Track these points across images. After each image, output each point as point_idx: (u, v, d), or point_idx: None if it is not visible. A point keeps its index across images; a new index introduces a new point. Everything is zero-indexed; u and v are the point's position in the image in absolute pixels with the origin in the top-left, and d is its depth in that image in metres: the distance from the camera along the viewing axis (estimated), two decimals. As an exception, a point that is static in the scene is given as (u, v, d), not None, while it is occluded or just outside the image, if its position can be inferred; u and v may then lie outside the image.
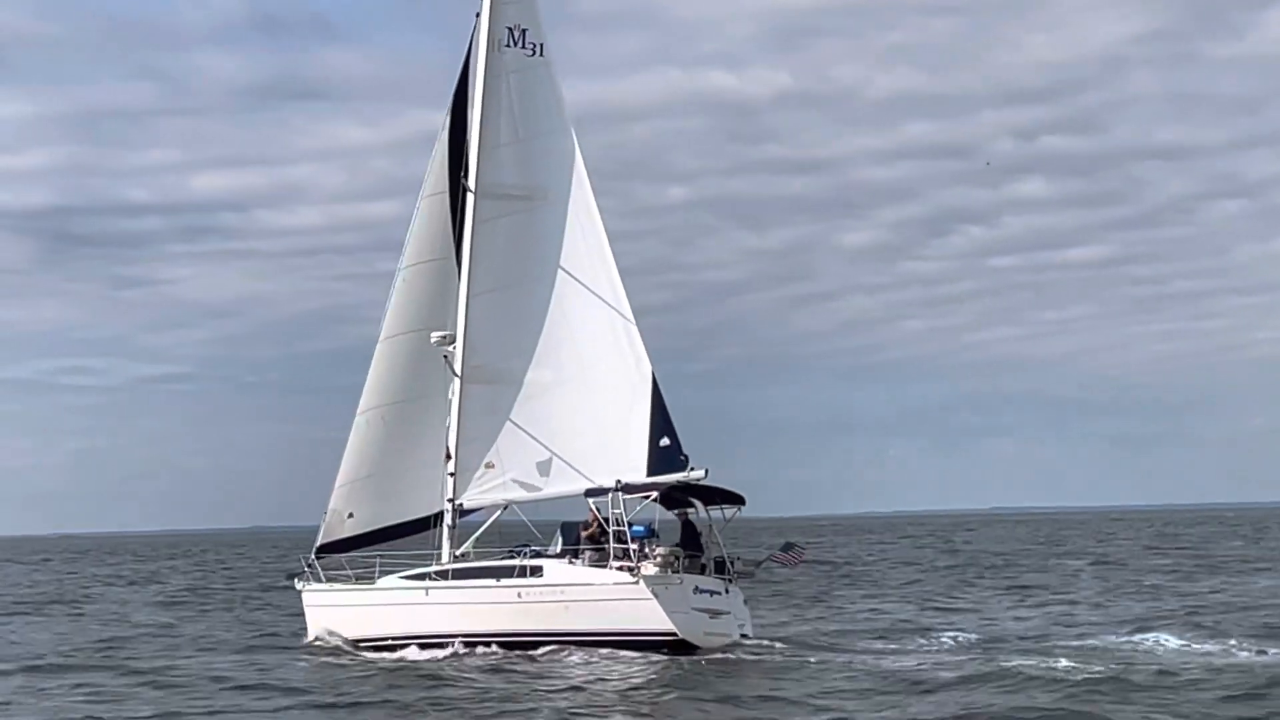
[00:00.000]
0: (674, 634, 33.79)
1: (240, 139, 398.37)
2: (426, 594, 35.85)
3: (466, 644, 34.94)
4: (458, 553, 37.29)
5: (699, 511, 36.23)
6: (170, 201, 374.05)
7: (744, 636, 35.02)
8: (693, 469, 36.25)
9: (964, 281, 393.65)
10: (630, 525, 34.85)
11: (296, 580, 38.91)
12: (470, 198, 38.03)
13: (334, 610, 37.59)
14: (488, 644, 34.79)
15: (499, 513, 37.78)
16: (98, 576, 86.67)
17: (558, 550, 35.70)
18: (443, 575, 36.05)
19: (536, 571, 34.95)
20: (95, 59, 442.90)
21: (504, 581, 35.10)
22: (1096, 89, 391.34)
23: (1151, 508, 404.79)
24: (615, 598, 34.20)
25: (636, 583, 34.01)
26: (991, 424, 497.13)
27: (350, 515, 39.03)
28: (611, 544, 34.66)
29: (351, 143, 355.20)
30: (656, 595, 33.95)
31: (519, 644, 34.51)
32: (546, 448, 37.44)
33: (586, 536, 35.29)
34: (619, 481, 35.38)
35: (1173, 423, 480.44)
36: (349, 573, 37.85)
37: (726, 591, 35.06)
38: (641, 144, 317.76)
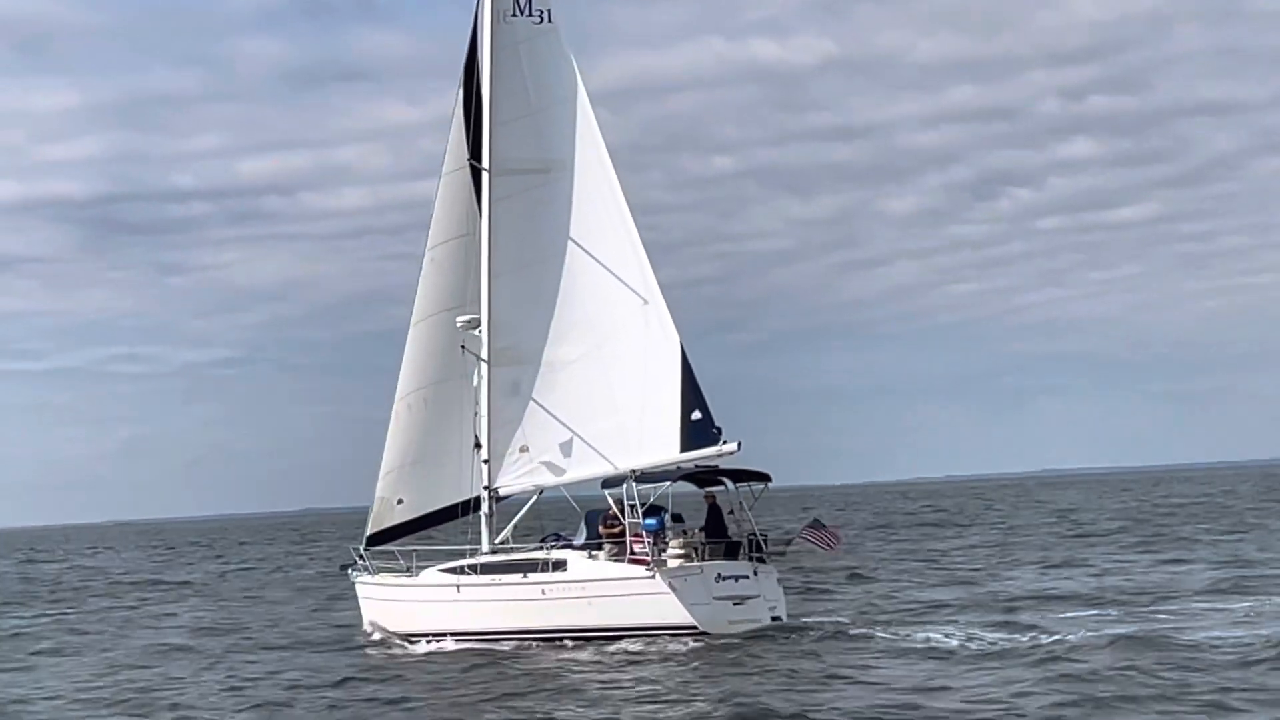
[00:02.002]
0: (694, 627, 33.03)
1: (285, 122, 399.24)
2: (458, 590, 35.56)
3: (492, 641, 34.64)
4: (497, 540, 36.88)
5: (729, 489, 35.26)
6: (217, 187, 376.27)
7: (775, 620, 34.07)
8: (725, 442, 35.24)
9: (1011, 244, 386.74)
10: (651, 512, 34.04)
11: (350, 571, 38.90)
12: (485, 177, 37.14)
13: (379, 604, 37.56)
14: (517, 641, 34.42)
15: (534, 498, 37.21)
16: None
17: (583, 541, 35.07)
18: (475, 569, 35.68)
19: (560, 566, 34.38)
20: (141, 47, 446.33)
21: (530, 577, 34.60)
22: (1142, 47, 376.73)
23: (1206, 465, 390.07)
24: (633, 593, 33.52)
25: (653, 577, 33.28)
26: (1042, 385, 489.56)
27: (400, 501, 38.77)
28: (628, 537, 33.93)
29: (396, 122, 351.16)
30: (674, 589, 33.17)
31: (546, 641, 34.08)
32: (572, 430, 36.67)
33: (609, 531, 34.55)
34: (633, 471, 34.55)
35: (1224, 379, 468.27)
36: (402, 564, 37.60)
37: (755, 574, 34.10)
38: (687, 115, 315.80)
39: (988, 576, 46.98)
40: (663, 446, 35.68)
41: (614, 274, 36.23)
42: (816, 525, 35.27)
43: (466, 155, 37.29)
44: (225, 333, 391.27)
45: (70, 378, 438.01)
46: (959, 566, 52.44)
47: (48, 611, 52.72)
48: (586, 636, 33.74)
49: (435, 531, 38.83)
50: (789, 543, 35.44)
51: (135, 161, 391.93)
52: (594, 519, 35.26)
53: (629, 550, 33.89)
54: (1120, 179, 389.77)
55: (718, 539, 34.61)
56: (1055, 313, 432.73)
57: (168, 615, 48.81)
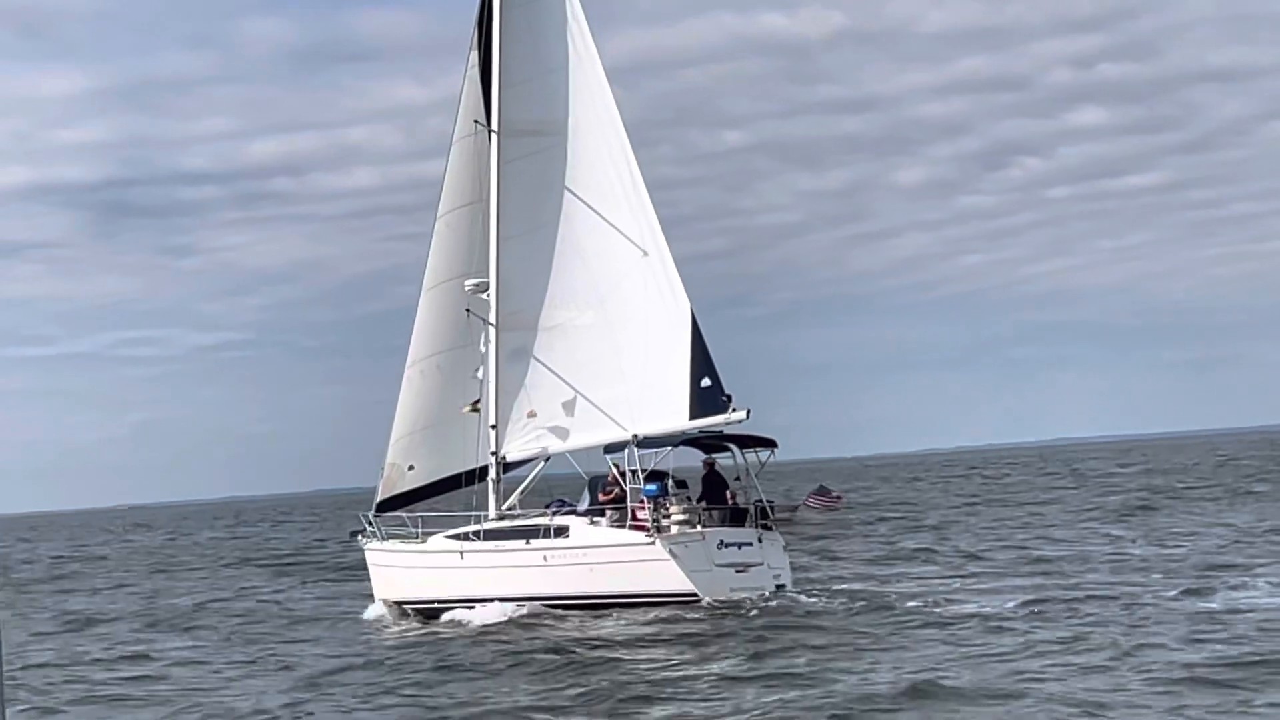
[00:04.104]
0: (694, 595, 32.50)
1: (295, 103, 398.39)
2: (461, 557, 35.18)
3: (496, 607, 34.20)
4: (505, 507, 36.49)
5: (736, 457, 34.72)
6: (227, 169, 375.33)
7: (780, 587, 33.51)
8: (735, 409, 34.65)
9: (1021, 214, 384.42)
10: (654, 478, 33.54)
11: (360, 538, 38.58)
12: (493, 139, 36.74)
13: (386, 570, 37.23)
14: (519, 607, 33.97)
15: (542, 464, 36.81)
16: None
17: (586, 507, 34.63)
18: (479, 536, 35.30)
19: (562, 532, 33.95)
20: (147, 30, 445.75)
21: (532, 544, 34.19)
22: (1151, 14, 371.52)
23: (1215, 432, 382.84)
24: (633, 559, 33.03)
25: (653, 543, 32.77)
26: (1051, 355, 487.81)
27: (411, 468, 38.43)
28: (629, 503, 33.44)
29: (405, 102, 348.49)
30: (675, 555, 32.66)
31: (548, 608, 33.61)
32: (581, 393, 36.19)
33: (607, 498, 34.07)
34: (635, 436, 34.06)
35: (1234, 346, 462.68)
36: (413, 531, 37.24)
37: (760, 541, 33.55)
38: (696, 90, 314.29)
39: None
40: (671, 413, 35.14)
41: (617, 229, 35.68)
42: (821, 491, 34.67)
43: (477, 116, 36.86)
44: (235, 315, 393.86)
45: (80, 363, 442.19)
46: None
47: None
48: (588, 604, 33.27)
49: (447, 498, 38.47)
50: (795, 509, 34.86)
51: (143, 145, 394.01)
52: (597, 484, 34.81)
53: (631, 516, 33.41)
54: (1130, 147, 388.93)
55: (717, 506, 34.08)
56: (1065, 282, 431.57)
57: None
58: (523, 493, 36.74)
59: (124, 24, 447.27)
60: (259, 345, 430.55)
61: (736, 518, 34.04)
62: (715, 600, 32.26)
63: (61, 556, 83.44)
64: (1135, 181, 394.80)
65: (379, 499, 38.42)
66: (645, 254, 35.29)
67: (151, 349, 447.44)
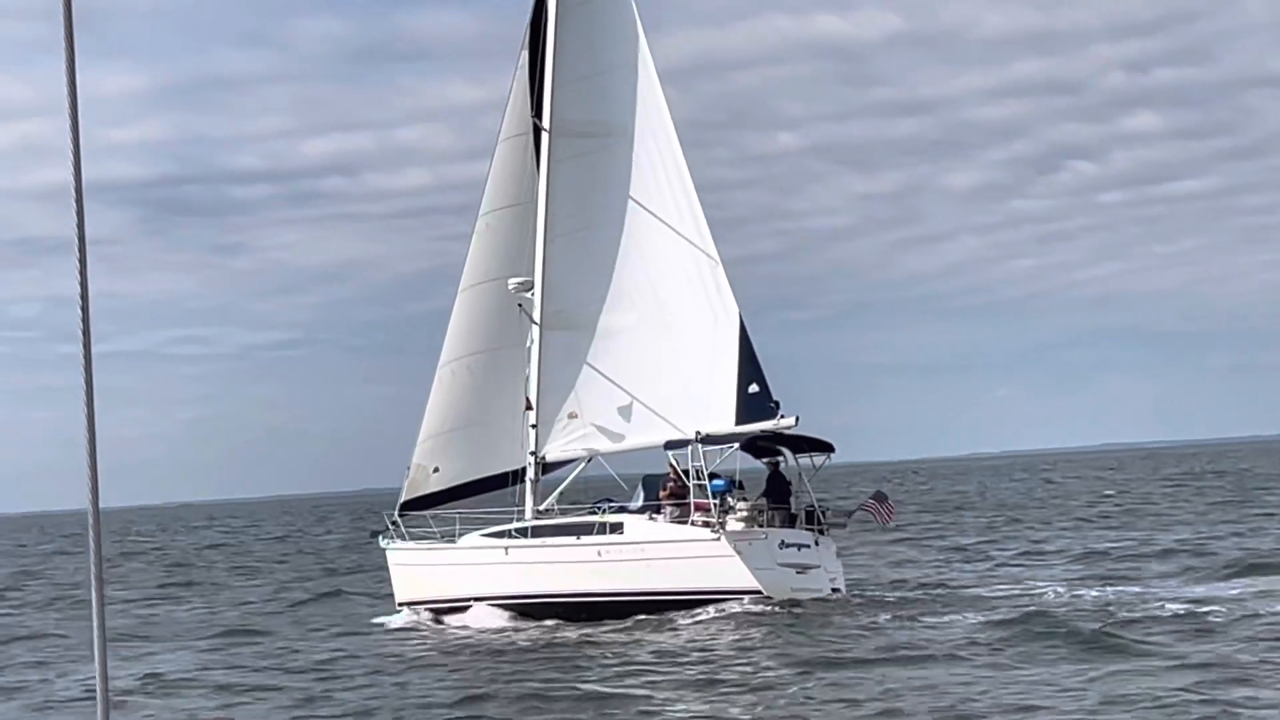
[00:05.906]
0: (758, 591, 32.24)
1: (348, 103, 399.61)
2: (506, 553, 34.59)
3: (546, 604, 33.67)
4: (541, 508, 35.96)
5: (788, 460, 34.58)
6: (280, 168, 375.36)
7: (835, 591, 33.40)
8: (783, 416, 34.55)
9: (1073, 218, 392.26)
10: (711, 478, 33.28)
11: (381, 538, 37.79)
12: (545, 137, 36.50)
13: (416, 570, 36.46)
14: (568, 604, 33.46)
15: (583, 465, 36.38)
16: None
17: (640, 504, 34.23)
18: (523, 533, 34.74)
19: (617, 528, 33.51)
20: (203, 29, 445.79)
21: (584, 540, 33.71)
22: (1208, 19, 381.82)
23: (1269, 438, 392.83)
24: (697, 555, 32.72)
25: (718, 539, 32.49)
26: (1102, 360, 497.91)
27: (436, 470, 37.83)
28: (692, 499, 33.13)
29: (458, 101, 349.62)
30: (739, 552, 32.40)
31: (600, 604, 33.13)
32: (630, 394, 35.91)
33: (667, 494, 33.73)
34: (698, 433, 33.81)
35: None
36: (435, 530, 36.61)
37: (816, 544, 33.43)
38: (750, 92, 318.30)
39: None
40: (718, 418, 34.96)
41: (682, 235, 35.56)
42: (879, 497, 34.53)
43: (530, 114, 36.62)
44: (285, 314, 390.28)
45: (131, 360, 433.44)
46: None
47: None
48: (644, 601, 32.84)
49: (468, 502, 37.78)
50: (850, 514, 34.76)
51: (197, 143, 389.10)
52: (652, 483, 34.43)
53: (691, 513, 33.07)
54: (1183, 152, 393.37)
55: (781, 505, 33.91)
56: (1117, 287, 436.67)
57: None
58: (560, 494, 36.24)
59: (179, 22, 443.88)
60: (309, 344, 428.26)
61: (790, 522, 33.87)
62: (777, 598, 32.02)
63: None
64: (1189, 186, 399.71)
65: (403, 499, 37.75)
66: (716, 262, 35.17)
67: (202, 347, 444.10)
